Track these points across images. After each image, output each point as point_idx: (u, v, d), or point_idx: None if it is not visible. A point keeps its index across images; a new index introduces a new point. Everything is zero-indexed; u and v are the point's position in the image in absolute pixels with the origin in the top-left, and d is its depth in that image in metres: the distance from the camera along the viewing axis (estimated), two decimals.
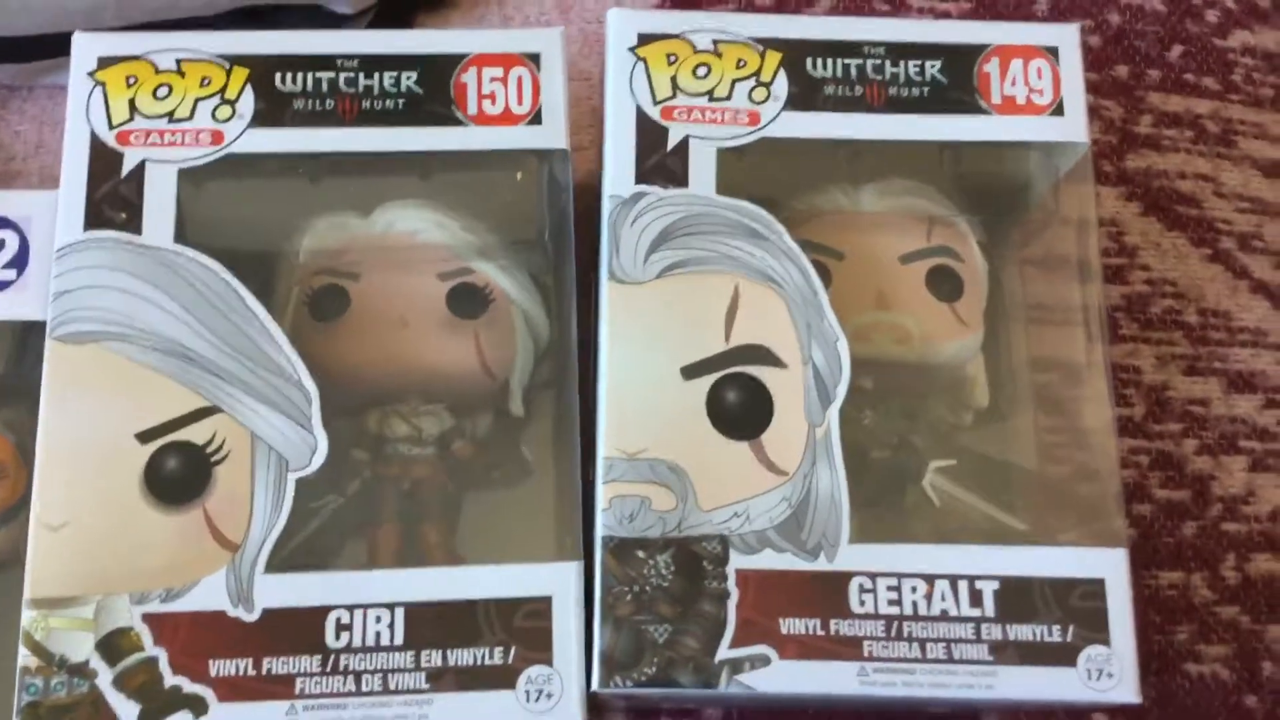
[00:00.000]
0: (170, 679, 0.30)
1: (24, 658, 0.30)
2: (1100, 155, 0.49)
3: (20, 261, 0.35)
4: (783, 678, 0.30)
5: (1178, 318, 0.48)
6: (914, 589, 0.31)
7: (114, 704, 0.30)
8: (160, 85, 0.34)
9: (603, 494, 0.32)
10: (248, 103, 0.34)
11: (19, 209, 0.35)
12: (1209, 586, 0.44)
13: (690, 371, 0.33)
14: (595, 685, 0.30)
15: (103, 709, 0.30)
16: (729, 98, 0.35)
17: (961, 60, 0.36)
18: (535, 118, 0.34)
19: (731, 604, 0.31)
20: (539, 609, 0.31)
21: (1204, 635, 0.43)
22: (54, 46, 0.43)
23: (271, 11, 0.43)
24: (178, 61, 0.34)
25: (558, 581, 0.31)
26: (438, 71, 0.35)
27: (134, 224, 0.33)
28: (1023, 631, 0.31)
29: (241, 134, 0.34)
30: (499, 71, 0.34)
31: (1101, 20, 0.51)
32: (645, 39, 0.35)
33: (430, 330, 0.36)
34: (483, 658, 0.30)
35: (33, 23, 0.41)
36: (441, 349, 0.36)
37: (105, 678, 0.30)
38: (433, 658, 0.30)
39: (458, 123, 0.34)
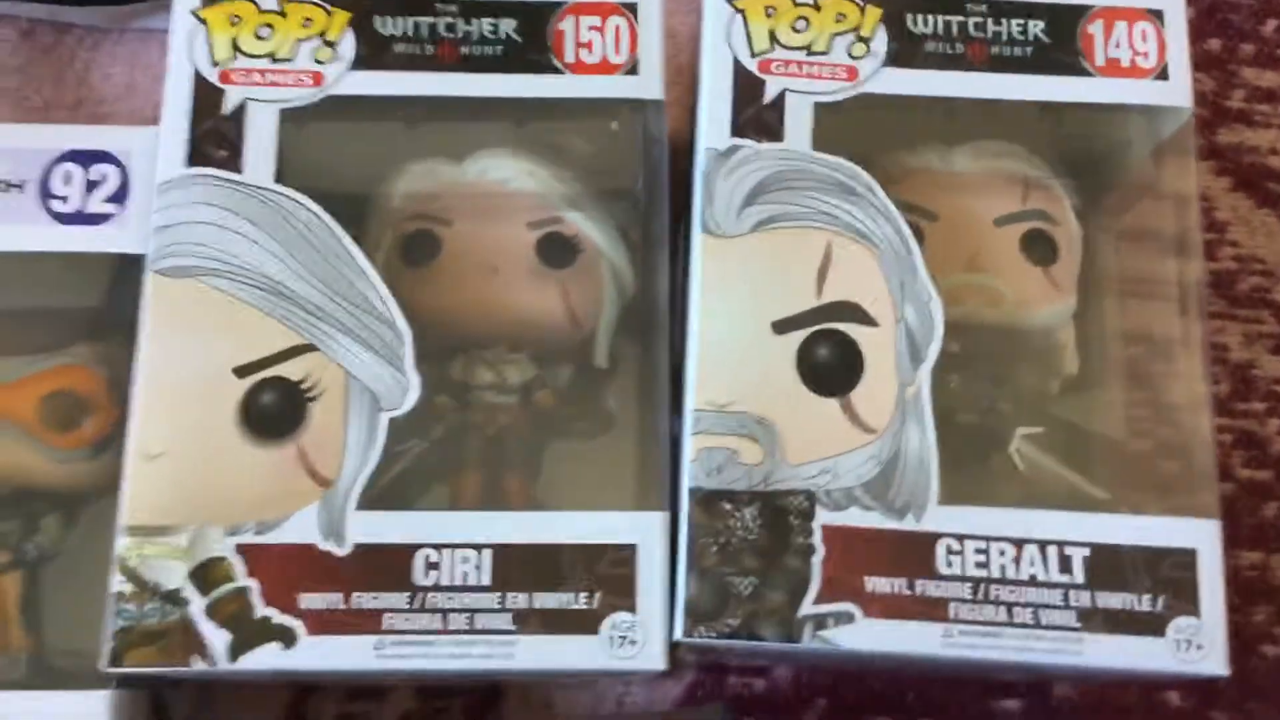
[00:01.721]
0: (261, 609, 0.31)
1: (117, 584, 0.31)
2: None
3: (121, 195, 0.35)
4: (866, 635, 0.30)
5: (1266, 296, 0.47)
6: (1002, 552, 0.31)
7: (205, 632, 0.30)
8: (262, 25, 0.34)
9: (690, 445, 0.32)
10: (348, 45, 0.34)
11: (120, 143, 0.36)
12: None
13: (781, 326, 0.32)
14: (679, 635, 0.31)
15: (193, 636, 0.30)
16: (827, 52, 0.35)
17: (1065, 20, 0.35)
18: (631, 68, 0.34)
19: (817, 560, 0.31)
20: (624, 557, 0.31)
21: None
22: None
23: None
24: (280, 1, 0.35)
25: (643, 530, 0.31)
26: (536, 19, 0.34)
27: (234, 162, 0.33)
28: (1111, 600, 0.31)
29: (342, 76, 0.34)
30: (596, 20, 0.34)
31: None
32: None
33: (519, 278, 0.36)
34: (568, 602, 0.31)
35: None
36: (529, 297, 0.36)
37: (197, 606, 0.31)
38: (518, 600, 0.31)
39: (555, 71, 0.34)
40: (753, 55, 0.34)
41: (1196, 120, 0.48)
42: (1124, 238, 0.38)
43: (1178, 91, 0.35)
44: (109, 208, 0.35)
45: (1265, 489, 0.44)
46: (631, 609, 0.31)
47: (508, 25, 0.34)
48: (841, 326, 0.32)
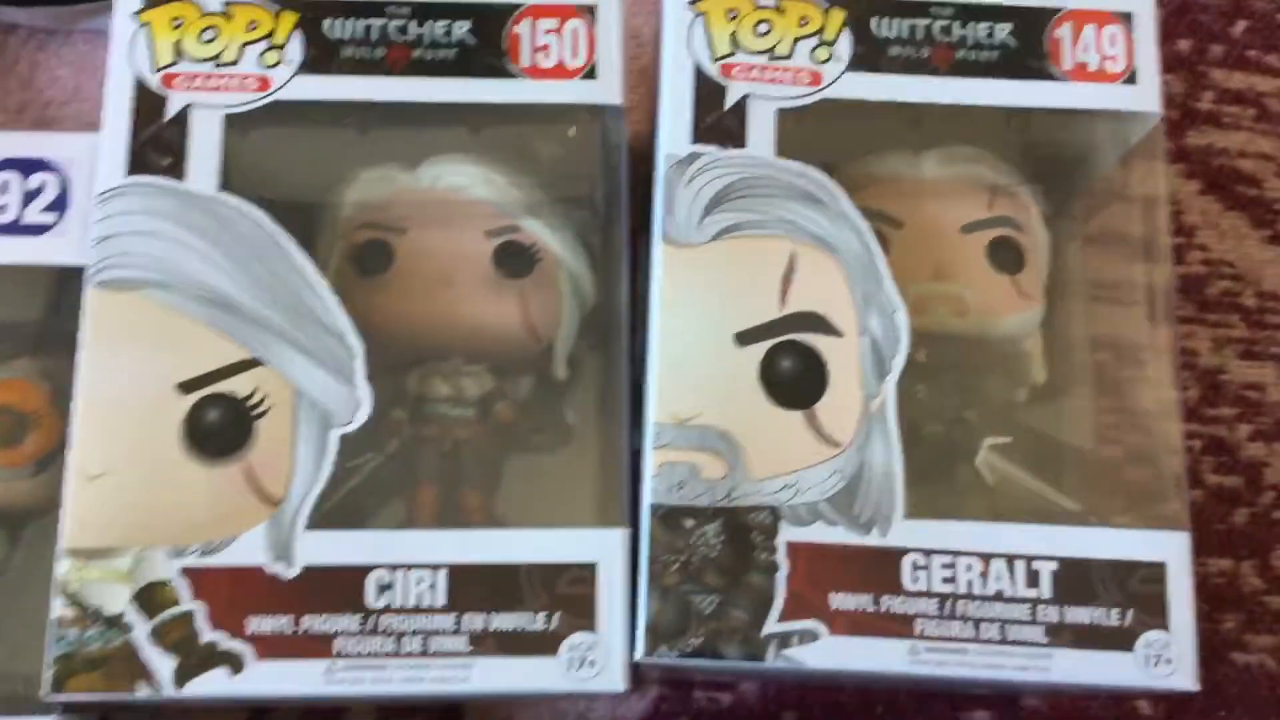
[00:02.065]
0: (207, 634, 0.30)
1: (58, 608, 0.30)
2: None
3: (60, 205, 0.34)
4: (832, 653, 0.30)
5: (1235, 300, 0.46)
6: (969, 568, 0.31)
7: (149, 658, 0.29)
8: (207, 28, 0.33)
9: (651, 460, 0.31)
10: (296, 48, 0.33)
11: (60, 151, 0.35)
12: (1259, 575, 0.43)
13: (744, 338, 0.32)
14: (640, 655, 0.30)
15: (138, 662, 0.29)
16: (790, 56, 0.34)
17: (1033, 23, 0.35)
18: (589, 72, 0.33)
19: (781, 576, 0.30)
20: (583, 575, 0.30)
21: (1252, 625, 0.42)
22: None
23: None
24: (225, 4, 0.34)
25: (603, 548, 0.30)
26: (491, 21, 0.34)
27: (178, 170, 0.32)
28: (1080, 614, 0.31)
29: (289, 80, 0.33)
30: (554, 23, 0.33)
31: None
32: None
33: (475, 288, 0.35)
34: (526, 623, 0.30)
35: None
36: (486, 308, 0.35)
37: (141, 631, 0.30)
38: (475, 621, 0.30)
39: (510, 75, 0.33)
40: (714, 59, 0.34)
41: (1166, 122, 0.47)
42: (1092, 242, 0.38)
43: (1147, 96, 0.35)
44: (48, 217, 0.34)
45: (1234, 495, 0.44)
46: (591, 628, 0.30)
47: (461, 28, 0.33)
48: (805, 338, 0.32)
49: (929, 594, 0.30)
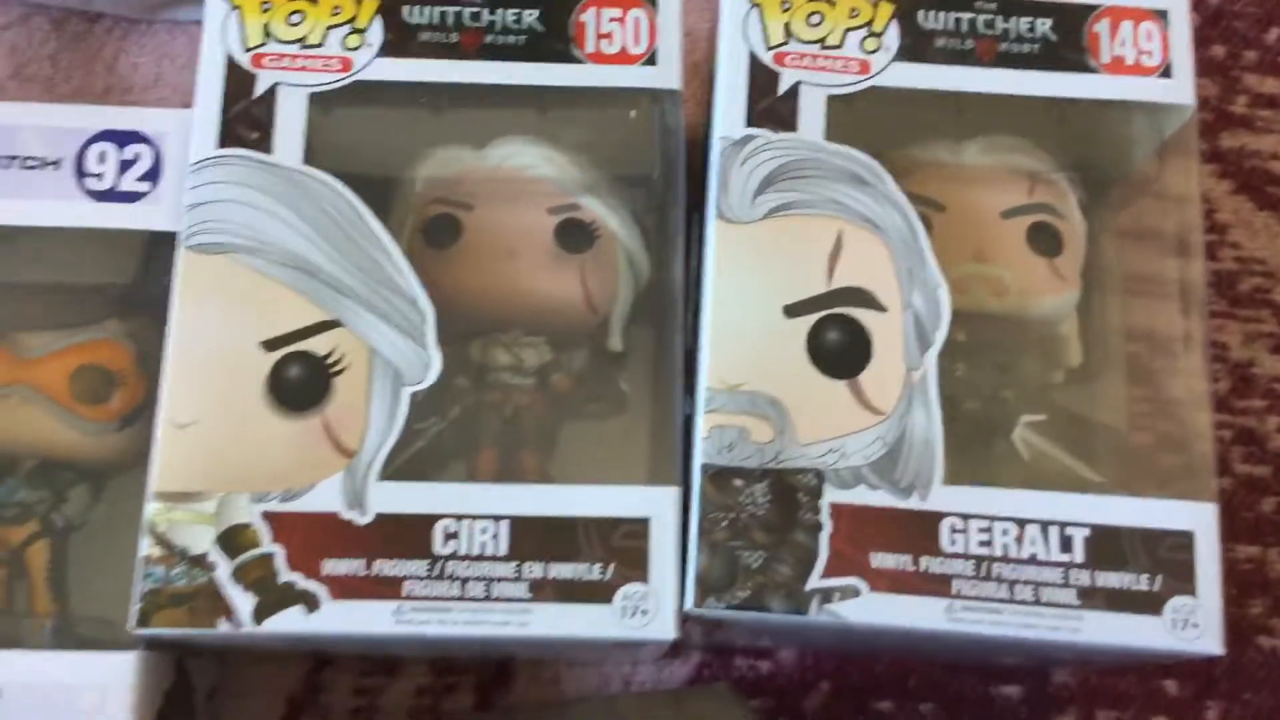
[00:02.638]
0: (285, 575, 0.31)
1: (146, 547, 0.32)
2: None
3: (153, 175, 0.36)
4: (872, 609, 0.31)
5: (1266, 296, 0.47)
6: (1005, 532, 0.32)
7: (230, 595, 0.31)
8: (294, 11, 0.35)
9: (703, 423, 0.33)
10: (376, 32, 0.35)
11: (154, 125, 0.37)
12: None
13: (792, 310, 0.33)
14: (689, 605, 0.31)
15: (219, 599, 0.31)
16: (841, 46, 0.36)
17: (1072, 19, 0.36)
18: (650, 59, 0.35)
19: (824, 535, 0.32)
20: (636, 529, 0.32)
21: (1278, 610, 0.43)
22: None
23: None
24: None
25: (656, 504, 0.32)
26: (559, 9, 0.35)
27: (265, 144, 0.34)
28: (1110, 579, 0.32)
29: (370, 63, 0.35)
30: (617, 12, 0.35)
31: (1200, 0, 0.51)
32: None
33: (537, 262, 0.37)
34: (582, 572, 0.32)
35: None
36: (547, 281, 0.37)
37: (224, 570, 0.31)
38: (534, 569, 0.32)
39: (575, 60, 0.35)
40: (768, 48, 0.35)
41: (1200, 124, 0.49)
42: (1127, 236, 0.39)
43: (1181, 89, 0.36)
44: (142, 186, 0.36)
45: (1263, 484, 0.45)
46: (644, 580, 0.31)
47: (531, 15, 0.35)
48: (851, 311, 0.33)
49: (966, 556, 0.32)
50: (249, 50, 0.35)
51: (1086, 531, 0.32)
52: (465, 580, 0.32)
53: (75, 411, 0.36)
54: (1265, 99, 0.50)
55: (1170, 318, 0.36)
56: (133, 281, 0.35)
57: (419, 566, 0.32)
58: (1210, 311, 0.47)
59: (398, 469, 0.33)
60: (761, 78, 0.35)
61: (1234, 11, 0.51)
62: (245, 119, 0.34)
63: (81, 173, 0.36)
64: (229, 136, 0.34)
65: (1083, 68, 0.36)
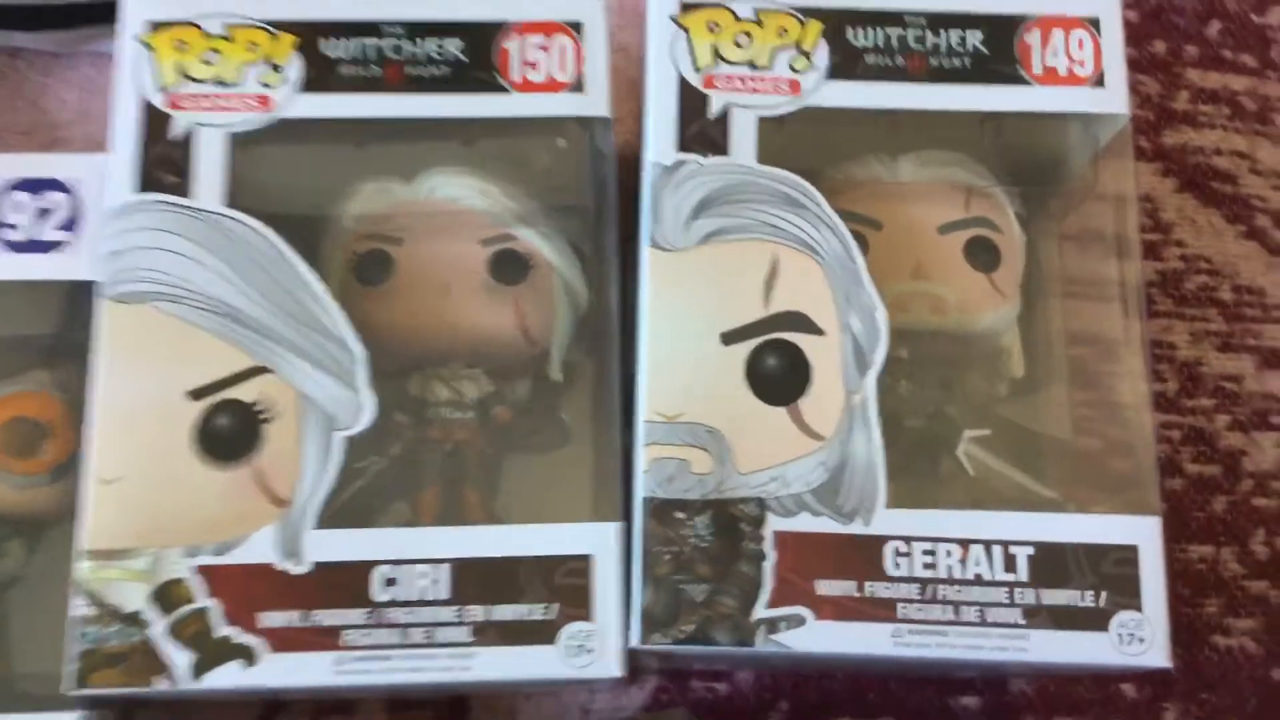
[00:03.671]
0: (222, 629, 0.31)
1: (78, 607, 0.31)
2: (1137, 131, 0.49)
3: (72, 223, 0.36)
4: (818, 638, 0.31)
5: (1212, 294, 0.48)
6: (949, 553, 0.32)
7: (166, 653, 0.31)
8: (209, 50, 0.35)
9: (643, 456, 0.32)
10: (295, 68, 0.35)
11: (70, 171, 0.36)
12: (1238, 561, 0.44)
13: (729, 337, 0.33)
14: (635, 642, 0.31)
15: (156, 657, 0.31)
16: (770, 66, 0.35)
17: (1002, 31, 0.36)
18: (577, 85, 0.35)
19: (768, 565, 0.32)
20: (579, 567, 0.31)
21: (1233, 609, 0.44)
22: (98, 13, 0.44)
23: None
24: (225, 26, 0.35)
25: (598, 541, 0.32)
26: (481, 39, 0.35)
27: (184, 187, 0.34)
28: (1056, 596, 0.32)
29: (290, 99, 0.34)
30: (542, 39, 0.35)
31: None
32: (687, 7, 0.36)
33: (472, 295, 0.36)
34: (525, 613, 0.31)
35: None
36: (483, 314, 0.36)
37: (158, 627, 0.31)
38: (476, 612, 0.31)
39: (501, 90, 0.35)
40: (696, 70, 0.35)
41: (1142, 122, 0.49)
42: (1066, 240, 0.39)
43: (1114, 98, 0.36)
44: (60, 235, 0.35)
45: (1213, 484, 0.45)
46: (588, 618, 0.31)
47: (453, 46, 0.35)
48: (789, 336, 0.33)
49: (910, 579, 0.32)
50: (164, 91, 0.34)
51: (1030, 550, 0.32)
52: (406, 627, 0.31)
53: (5, 465, 0.36)
54: (1207, 94, 0.50)
55: (1112, 320, 0.36)
56: (58, 331, 0.34)
57: (358, 615, 0.31)
58: (1156, 311, 0.47)
59: (338, 513, 0.32)
60: (691, 101, 0.35)
61: (1173, 6, 0.51)
62: (163, 162, 0.34)
63: None
64: (147, 181, 0.34)
65: (1015, 79, 0.36)
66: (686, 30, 0.35)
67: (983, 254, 0.37)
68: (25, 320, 0.36)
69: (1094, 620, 0.32)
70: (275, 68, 0.34)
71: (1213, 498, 0.45)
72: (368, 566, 0.31)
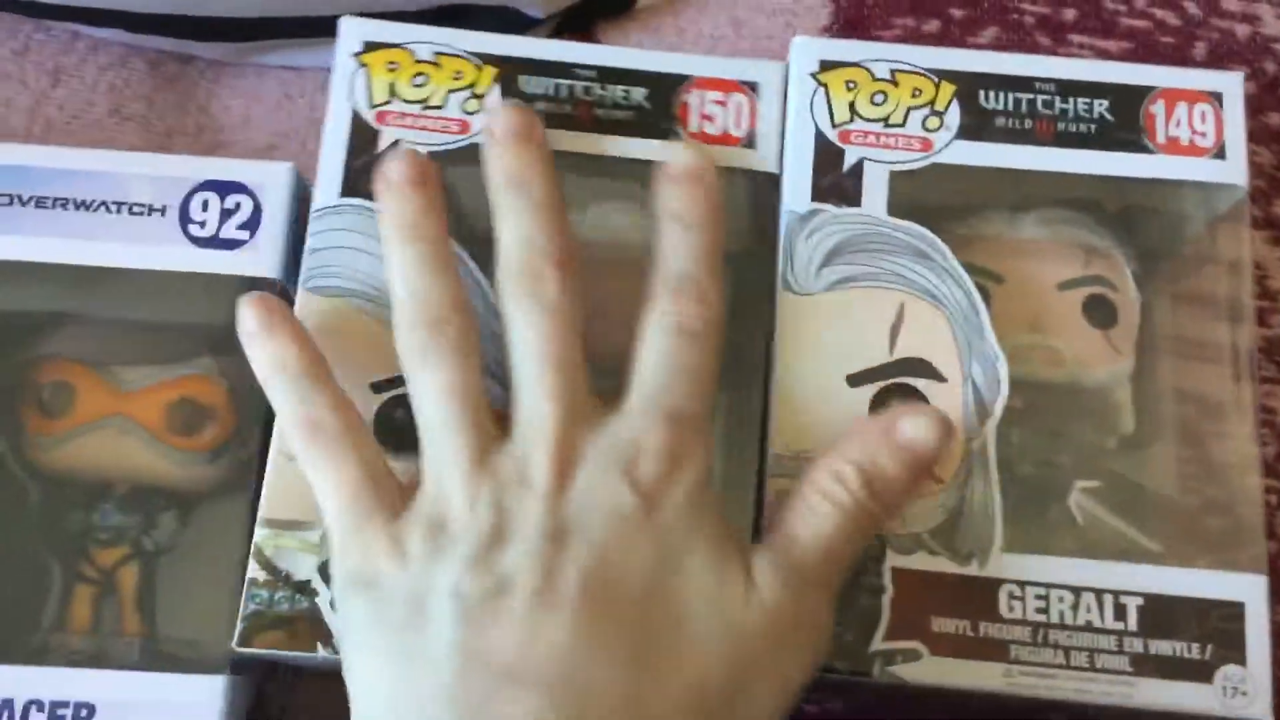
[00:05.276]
0: None
1: (253, 570, 0.33)
2: (1250, 200, 0.49)
3: (253, 224, 0.38)
4: (933, 671, 0.32)
5: None
6: (1061, 599, 0.33)
7: (331, 622, 0.32)
8: (418, 74, 0.38)
9: (769, 489, 0.34)
10: (495, 99, 0.37)
11: (254, 177, 0.39)
12: None
13: (856, 380, 0.35)
14: None
15: (320, 626, 0.32)
16: (904, 124, 0.37)
17: (1128, 100, 0.38)
18: (749, 141, 0.37)
19: (886, 599, 0.33)
20: None
21: None
22: (269, 29, 0.47)
23: (466, 10, 0.46)
24: (435, 54, 0.38)
25: None
26: (665, 89, 0.37)
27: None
28: (1163, 647, 0.33)
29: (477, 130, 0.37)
30: (719, 95, 0.37)
31: (1258, 67, 0.52)
32: (827, 65, 0.38)
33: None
34: None
35: (253, 6, 0.45)
36: None
37: (325, 598, 0.33)
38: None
39: (678, 138, 0.37)
40: (834, 126, 0.37)
41: (1255, 191, 0.50)
42: (1179, 301, 0.40)
43: (1234, 170, 0.37)
44: (241, 234, 0.38)
45: None
46: None
47: (639, 93, 0.37)
48: (913, 381, 0.35)
49: (1023, 622, 0.33)
50: (374, 107, 0.37)
51: (1140, 600, 0.33)
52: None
53: (169, 443, 0.38)
54: None
55: (1221, 382, 0.37)
56: (228, 323, 0.37)
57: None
58: (1262, 376, 0.47)
59: None
60: (827, 154, 0.37)
61: None
62: (367, 172, 0.36)
63: (186, 219, 0.38)
64: (351, 187, 0.36)
65: (1139, 148, 0.37)
66: (826, 87, 0.38)
67: (1100, 311, 0.38)
68: (199, 310, 0.38)
69: (1199, 672, 0.33)
70: (477, 96, 0.37)
71: None
72: None
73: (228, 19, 0.46)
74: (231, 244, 0.38)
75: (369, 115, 0.37)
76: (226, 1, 0.45)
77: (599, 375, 0.37)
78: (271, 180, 0.39)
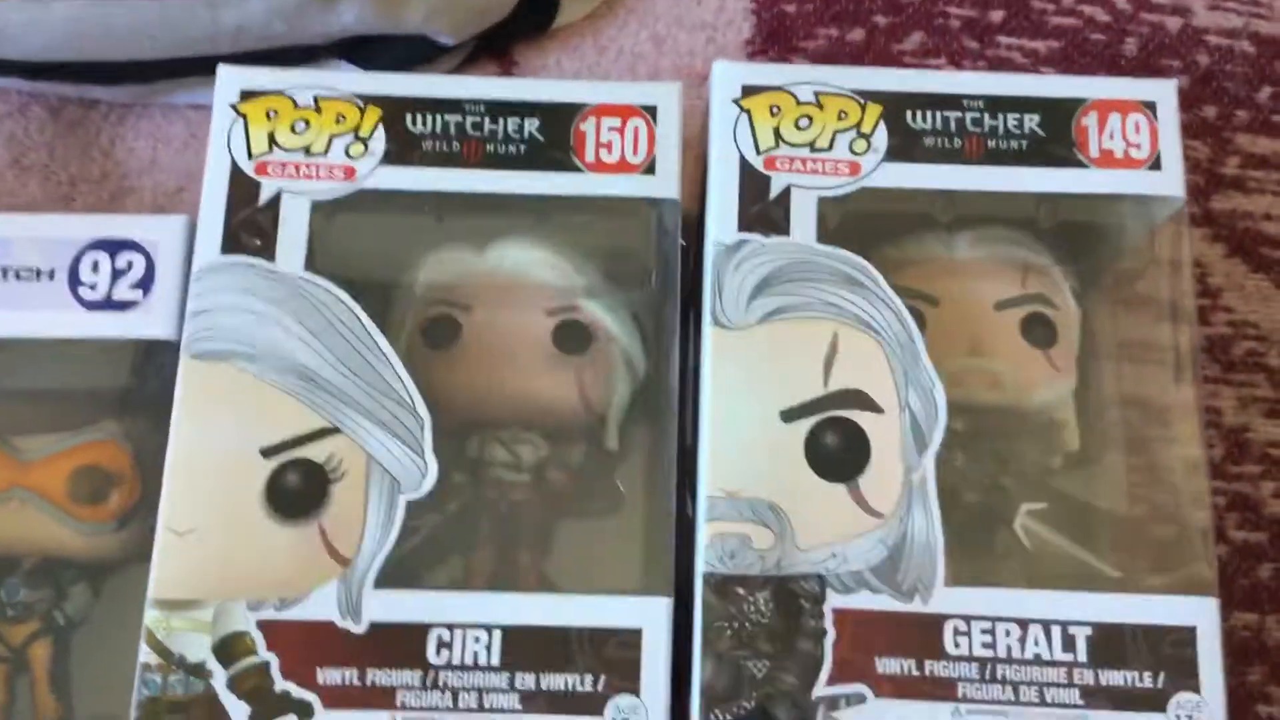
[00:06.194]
0: (280, 684, 0.31)
1: (145, 654, 0.32)
2: (1186, 196, 0.49)
3: (146, 283, 0.37)
4: (878, 716, 0.31)
5: (1260, 360, 0.48)
6: (1008, 633, 0.32)
7: (227, 704, 0.31)
8: (298, 120, 0.36)
9: (705, 532, 0.33)
10: (379, 141, 0.36)
11: (146, 232, 0.37)
12: None
13: (790, 415, 0.34)
14: (696, 718, 0.31)
15: (216, 708, 0.31)
16: (830, 148, 0.36)
17: (1060, 114, 0.37)
18: (649, 168, 0.35)
19: (828, 642, 0.32)
20: (630, 640, 0.32)
21: (1275, 677, 0.43)
22: (173, 69, 0.45)
23: (377, 40, 0.44)
24: (315, 99, 0.36)
25: (649, 615, 0.32)
26: (559, 119, 0.36)
27: (268, 251, 0.35)
28: (1114, 677, 0.32)
29: (372, 171, 0.35)
30: (617, 122, 0.36)
31: (1190, 61, 0.51)
32: (749, 91, 0.37)
33: (535, 363, 0.37)
34: (574, 684, 0.32)
35: (155, 48, 0.44)
36: (544, 382, 0.37)
37: (220, 679, 0.31)
38: (526, 680, 0.32)
39: (575, 169, 0.35)
40: (759, 153, 0.36)
41: (1191, 187, 0.49)
42: (1120, 304, 0.39)
43: (1170, 181, 0.36)
44: (134, 294, 0.36)
45: (1259, 551, 0.45)
46: (636, 692, 0.32)
47: (531, 125, 0.36)
48: (848, 414, 0.34)
49: (970, 658, 0.32)
50: (253, 158, 0.35)
51: (1089, 630, 0.32)
52: (458, 690, 0.32)
53: (73, 513, 0.37)
54: (1257, 159, 0.51)
55: (1164, 385, 0.36)
56: (128, 385, 0.35)
57: (412, 676, 0.32)
58: (1203, 376, 0.47)
59: (393, 570, 0.33)
60: (753, 182, 0.35)
61: (1224, 72, 0.52)
62: (249, 226, 0.35)
63: (76, 282, 0.36)
64: (232, 243, 0.35)
65: (1072, 162, 0.36)
66: (749, 112, 0.36)
67: (1039, 330, 0.37)
68: (99, 374, 0.37)
69: (1152, 701, 0.32)
70: (361, 140, 0.36)
71: (1258, 565, 0.45)
72: (423, 629, 0.32)
73: (129, 63, 0.44)
74: (124, 305, 0.36)
75: (248, 167, 0.35)
76: (127, 46, 0.43)
77: (500, 417, 0.36)
78: (165, 235, 0.37)
